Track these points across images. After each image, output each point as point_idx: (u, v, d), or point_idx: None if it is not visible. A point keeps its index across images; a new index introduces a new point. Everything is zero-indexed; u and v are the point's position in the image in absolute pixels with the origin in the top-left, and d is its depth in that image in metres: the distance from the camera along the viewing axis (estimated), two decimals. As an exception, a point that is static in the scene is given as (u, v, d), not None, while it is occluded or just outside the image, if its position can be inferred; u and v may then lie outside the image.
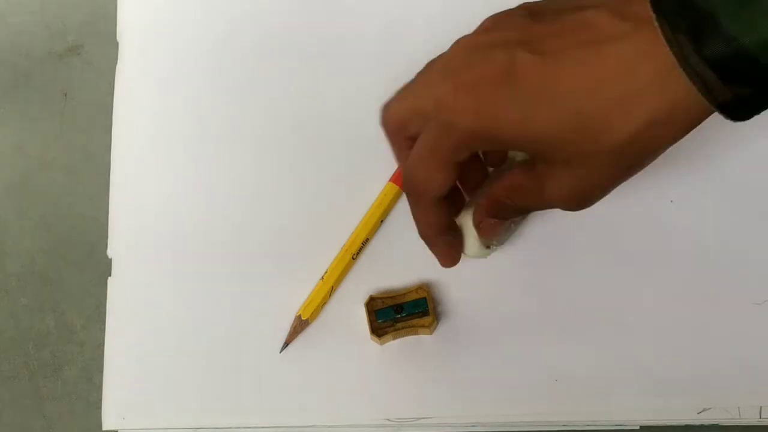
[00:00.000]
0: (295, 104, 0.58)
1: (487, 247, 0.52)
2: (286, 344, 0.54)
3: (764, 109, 0.40)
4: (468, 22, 0.59)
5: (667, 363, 0.53)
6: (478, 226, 0.50)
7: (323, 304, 0.54)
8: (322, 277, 0.54)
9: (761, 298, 0.53)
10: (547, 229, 0.55)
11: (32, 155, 0.59)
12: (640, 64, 0.39)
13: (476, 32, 0.45)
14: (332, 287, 0.54)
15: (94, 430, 0.54)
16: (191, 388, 0.54)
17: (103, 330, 0.55)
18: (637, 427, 0.53)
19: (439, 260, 0.50)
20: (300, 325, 0.53)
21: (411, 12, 0.59)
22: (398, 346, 0.53)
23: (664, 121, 0.40)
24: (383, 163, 0.56)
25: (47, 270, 0.57)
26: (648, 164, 0.43)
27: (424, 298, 0.53)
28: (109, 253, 0.56)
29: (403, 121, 0.46)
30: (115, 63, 0.59)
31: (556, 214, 0.54)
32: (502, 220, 0.50)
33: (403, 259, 0.55)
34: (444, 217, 0.48)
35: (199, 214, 0.56)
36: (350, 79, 0.58)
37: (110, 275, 0.56)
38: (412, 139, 0.45)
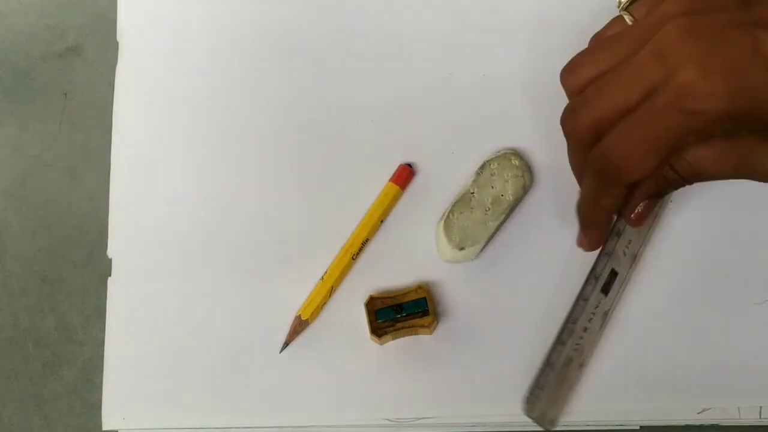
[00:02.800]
0: (295, 104, 0.58)
1: (461, 249, 0.53)
2: (286, 344, 0.54)
3: None
4: (469, 22, 0.59)
5: (667, 363, 0.53)
6: (633, 213, 0.49)
7: (323, 304, 0.54)
8: (322, 278, 0.54)
9: (761, 298, 0.53)
10: (547, 229, 0.55)
11: (32, 155, 0.59)
12: None
13: (682, 14, 0.43)
14: (332, 287, 0.54)
15: (94, 430, 0.54)
16: (191, 388, 0.54)
17: (103, 330, 0.55)
18: (637, 427, 0.53)
19: (584, 245, 0.50)
20: (300, 325, 0.53)
21: (412, 12, 0.59)
22: (398, 346, 0.53)
23: None
24: (383, 163, 0.56)
25: (47, 270, 0.57)
26: None
27: (424, 298, 0.53)
28: (109, 253, 0.56)
29: (601, 123, 0.45)
30: (115, 63, 0.59)
31: (558, 215, 0.55)
32: (661, 197, 0.50)
33: (403, 259, 0.55)
34: (618, 204, 0.48)
35: (199, 214, 0.56)
36: (351, 79, 0.58)
37: (110, 275, 0.56)
38: (598, 140, 0.45)
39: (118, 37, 0.60)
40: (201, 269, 0.55)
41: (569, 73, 0.47)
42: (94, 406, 0.54)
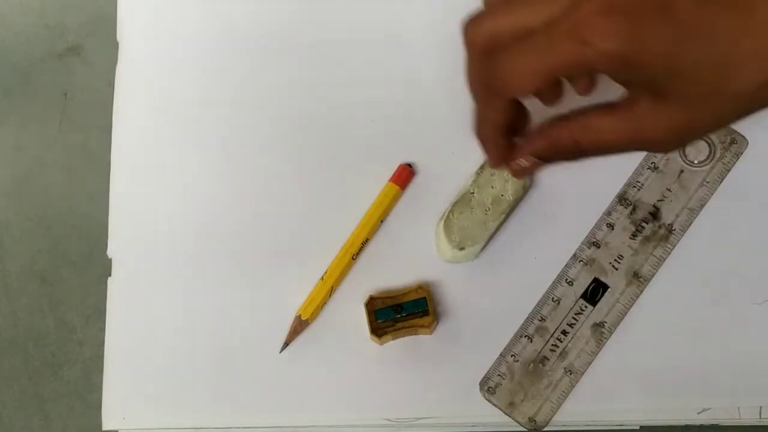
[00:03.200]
0: (295, 104, 0.58)
1: (461, 249, 0.53)
2: (286, 344, 0.54)
3: None
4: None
5: (667, 363, 0.53)
6: (515, 161, 0.48)
7: (323, 304, 0.54)
8: (322, 278, 0.54)
9: (761, 298, 0.53)
10: (547, 229, 0.55)
11: (32, 155, 0.59)
12: None
13: None
14: (332, 287, 0.54)
15: (94, 430, 0.54)
16: (191, 388, 0.54)
17: (103, 330, 0.55)
18: (637, 427, 0.53)
19: (489, 161, 0.48)
20: (300, 325, 0.53)
21: (412, 12, 0.59)
22: (398, 346, 0.53)
23: None
24: (383, 163, 0.56)
25: (47, 270, 0.57)
26: (737, 122, 0.44)
27: (424, 298, 0.53)
28: (109, 253, 0.56)
29: (500, 35, 0.45)
30: (115, 63, 0.59)
31: (558, 215, 0.55)
32: (549, 163, 0.48)
33: (403, 259, 0.55)
34: (509, 120, 0.47)
35: (199, 214, 0.56)
36: (351, 79, 0.58)
37: (110, 275, 0.56)
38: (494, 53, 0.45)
39: (118, 37, 0.60)
40: (201, 269, 0.55)
41: (472, 21, 0.46)
42: (94, 406, 0.54)
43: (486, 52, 0.45)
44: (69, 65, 0.60)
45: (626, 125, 0.45)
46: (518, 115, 0.48)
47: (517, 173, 0.48)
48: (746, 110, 0.44)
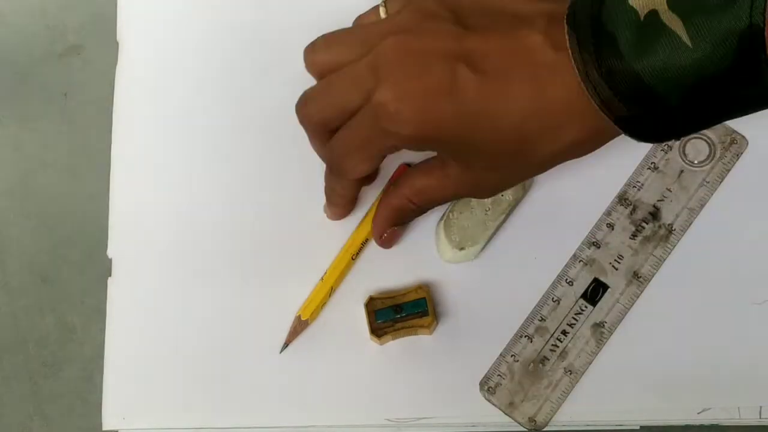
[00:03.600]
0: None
1: (461, 249, 0.53)
2: (286, 344, 0.54)
3: (666, 135, 0.43)
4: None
5: (667, 363, 0.53)
6: (380, 238, 0.53)
7: (323, 304, 0.54)
8: (322, 278, 0.54)
9: (761, 298, 0.53)
10: (548, 229, 0.55)
11: (32, 155, 0.59)
12: (567, 97, 0.43)
13: (404, 31, 0.46)
14: (332, 287, 0.54)
15: (94, 430, 0.54)
16: (191, 388, 0.54)
17: (103, 330, 0.55)
18: (637, 427, 0.53)
19: (329, 215, 0.55)
20: (300, 326, 0.53)
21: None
22: (398, 346, 0.53)
23: (582, 143, 0.45)
24: (383, 162, 0.56)
25: (47, 270, 0.57)
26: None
27: (424, 298, 0.53)
28: (109, 253, 0.56)
29: (327, 120, 0.48)
30: (115, 63, 0.59)
31: (558, 215, 0.55)
32: (404, 224, 0.54)
33: (403, 259, 0.55)
34: (356, 191, 0.53)
35: (199, 214, 0.56)
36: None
37: (110, 275, 0.56)
38: (333, 131, 0.48)
39: (118, 37, 0.60)
40: (201, 269, 0.55)
41: (309, 52, 0.50)
42: (94, 406, 0.54)
43: (326, 133, 0.49)
44: (69, 65, 0.60)
45: (445, 183, 0.49)
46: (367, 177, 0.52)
47: (388, 243, 0.54)
48: (552, 167, 0.47)
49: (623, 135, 0.43)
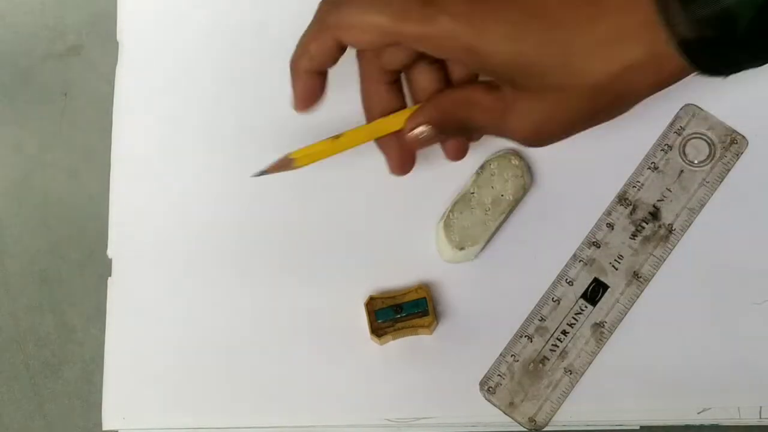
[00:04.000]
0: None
1: (461, 249, 0.53)
2: (264, 172, 0.50)
3: (737, 64, 0.41)
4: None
5: (667, 363, 0.53)
6: (408, 132, 0.48)
7: (319, 158, 0.50)
8: (335, 137, 0.50)
9: (761, 298, 0.53)
10: (548, 229, 0.55)
11: (32, 155, 0.59)
12: (628, 11, 0.40)
13: None
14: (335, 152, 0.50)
15: (94, 430, 0.54)
16: (191, 388, 0.54)
17: (103, 330, 0.55)
18: (637, 427, 0.53)
19: (294, 100, 0.49)
20: (284, 164, 0.50)
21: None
22: (398, 346, 0.53)
23: (641, 68, 0.41)
24: (383, 163, 0.56)
25: (47, 270, 0.57)
26: (615, 116, 0.44)
27: (424, 298, 0.53)
28: (109, 253, 0.56)
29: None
30: (115, 63, 0.59)
31: (558, 215, 0.55)
32: (439, 135, 0.48)
33: (403, 259, 0.55)
34: (327, 62, 0.47)
35: (199, 214, 0.56)
36: (352, 79, 0.58)
37: (110, 275, 0.56)
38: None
39: (118, 37, 0.60)
40: (201, 269, 0.55)
41: None
42: (94, 406, 0.54)
43: None
44: (69, 65, 0.60)
45: (494, 107, 0.45)
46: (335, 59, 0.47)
47: (414, 144, 0.48)
48: (608, 104, 0.43)
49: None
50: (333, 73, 0.59)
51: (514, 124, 0.45)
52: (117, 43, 0.59)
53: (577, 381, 0.52)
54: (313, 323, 0.54)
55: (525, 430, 0.52)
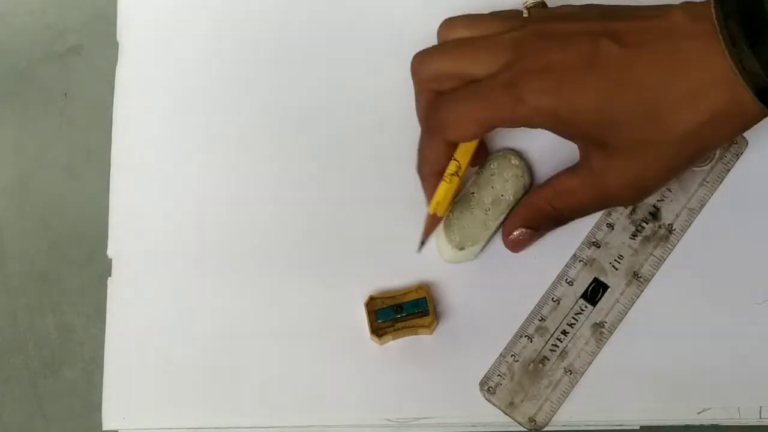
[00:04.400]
0: (296, 103, 0.58)
1: (461, 249, 0.53)
2: (423, 243, 0.52)
3: None
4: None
5: (666, 363, 0.53)
6: (508, 237, 0.52)
7: (451, 200, 0.52)
8: (446, 177, 0.51)
9: (761, 298, 0.53)
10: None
11: (32, 155, 0.59)
12: (708, 63, 0.43)
13: (545, 19, 0.48)
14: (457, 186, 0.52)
15: (94, 430, 0.54)
16: (191, 388, 0.54)
17: (103, 330, 0.55)
18: (637, 427, 0.53)
19: (426, 200, 0.52)
20: (432, 221, 0.52)
21: (413, 12, 0.59)
22: (398, 346, 0.53)
23: (724, 116, 0.44)
24: (383, 163, 0.56)
25: (47, 270, 0.57)
26: (702, 158, 0.48)
27: (424, 298, 0.53)
28: (109, 253, 0.56)
29: (442, 78, 0.48)
30: (115, 63, 0.59)
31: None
32: (538, 231, 0.52)
33: (403, 259, 0.55)
34: (447, 160, 0.50)
35: (199, 214, 0.56)
36: (352, 79, 0.58)
37: (110, 275, 0.56)
38: (438, 91, 0.48)
39: (118, 37, 0.60)
40: (201, 269, 0.55)
41: (446, 26, 0.51)
42: (94, 406, 0.54)
43: (430, 90, 0.49)
44: (69, 65, 0.60)
45: (586, 183, 0.48)
46: (477, 152, 0.51)
47: (514, 246, 0.53)
48: (695, 151, 0.46)
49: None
50: (333, 74, 0.59)
51: (612, 187, 0.48)
52: (117, 43, 0.59)
53: (577, 381, 0.52)
54: (313, 323, 0.54)
55: (525, 430, 0.52)
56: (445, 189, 0.51)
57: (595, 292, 0.53)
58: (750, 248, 0.54)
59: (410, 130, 0.56)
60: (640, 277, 0.53)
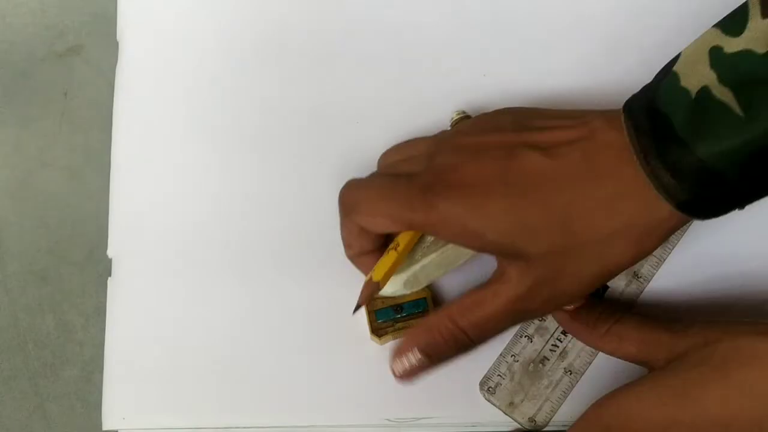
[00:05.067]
0: (297, 103, 0.58)
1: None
2: (358, 306, 0.50)
3: (726, 208, 0.44)
4: (470, 21, 0.59)
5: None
6: (397, 360, 0.48)
7: (393, 271, 0.51)
8: (395, 248, 0.50)
9: (761, 298, 0.53)
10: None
11: (32, 155, 0.59)
12: (621, 173, 0.43)
13: (468, 133, 0.49)
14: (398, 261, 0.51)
15: (94, 430, 0.54)
16: (191, 388, 0.54)
17: (103, 330, 0.55)
18: (638, 427, 0.53)
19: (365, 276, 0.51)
20: (369, 288, 0.50)
21: (412, 12, 0.59)
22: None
23: (640, 226, 0.44)
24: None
25: (47, 270, 0.57)
26: (618, 272, 0.46)
27: (424, 298, 0.53)
28: (109, 253, 0.56)
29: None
30: (115, 63, 0.59)
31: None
32: (432, 359, 0.48)
33: (404, 259, 0.55)
34: (369, 243, 0.50)
35: (199, 214, 0.56)
36: (352, 79, 0.58)
37: (110, 275, 0.56)
38: None
39: (118, 37, 0.60)
40: (201, 269, 0.55)
41: (382, 156, 0.53)
42: (94, 406, 0.54)
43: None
44: (69, 65, 0.60)
45: (500, 292, 0.46)
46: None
47: (404, 374, 0.48)
48: (602, 268, 0.45)
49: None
50: (334, 74, 0.59)
51: (526, 296, 0.46)
52: (117, 43, 0.59)
53: (577, 381, 0.52)
54: (313, 323, 0.54)
55: (525, 430, 0.52)
56: (383, 262, 0.50)
57: (595, 291, 0.53)
58: (750, 248, 0.54)
59: (411, 129, 0.56)
60: (640, 277, 0.53)
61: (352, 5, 0.59)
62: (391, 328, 0.53)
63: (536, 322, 0.53)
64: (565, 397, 0.52)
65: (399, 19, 0.59)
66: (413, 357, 0.47)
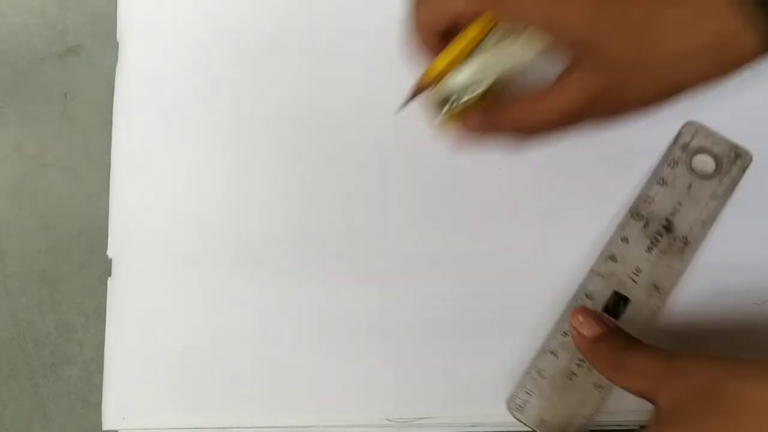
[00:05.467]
0: (297, 103, 0.58)
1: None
2: (405, 104, 0.49)
3: None
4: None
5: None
6: (467, 121, 0.48)
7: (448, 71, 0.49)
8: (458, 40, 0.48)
9: (761, 298, 0.53)
10: (546, 230, 0.55)
11: (32, 155, 0.59)
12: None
13: None
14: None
15: (94, 430, 0.54)
16: (191, 388, 0.54)
17: (103, 330, 0.55)
18: (637, 428, 0.53)
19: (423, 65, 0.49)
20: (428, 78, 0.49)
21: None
22: (398, 345, 0.53)
23: (715, 47, 0.43)
24: (382, 162, 0.56)
25: (47, 270, 0.57)
26: (687, 94, 0.45)
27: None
28: (109, 253, 0.56)
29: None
30: (115, 63, 0.59)
31: (557, 213, 0.55)
32: (491, 131, 0.48)
33: (404, 257, 0.55)
34: (431, 25, 0.48)
35: (199, 214, 0.56)
36: (352, 79, 0.58)
37: (110, 275, 0.56)
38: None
39: (118, 37, 0.60)
40: (201, 269, 0.55)
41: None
42: (94, 406, 0.54)
43: None
44: (69, 65, 0.60)
45: (560, 95, 0.46)
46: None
47: (458, 137, 0.48)
48: (673, 84, 0.44)
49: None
50: (334, 74, 0.59)
51: (581, 102, 0.45)
52: (117, 43, 0.59)
53: (608, 395, 0.51)
54: (312, 323, 0.54)
55: (527, 430, 0.52)
56: (445, 53, 0.48)
57: (616, 305, 0.53)
58: (750, 248, 0.54)
59: (410, 129, 0.57)
60: (660, 289, 0.53)
61: (353, 5, 0.59)
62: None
63: (559, 337, 0.52)
64: (597, 412, 0.51)
65: (399, 19, 0.59)
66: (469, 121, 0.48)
